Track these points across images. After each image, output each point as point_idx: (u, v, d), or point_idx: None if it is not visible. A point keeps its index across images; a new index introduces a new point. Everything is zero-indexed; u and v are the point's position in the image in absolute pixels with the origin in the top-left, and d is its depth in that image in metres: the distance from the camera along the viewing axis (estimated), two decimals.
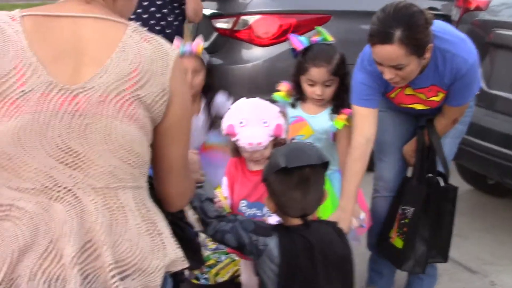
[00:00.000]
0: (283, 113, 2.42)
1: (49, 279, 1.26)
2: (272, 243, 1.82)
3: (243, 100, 2.40)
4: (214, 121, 3.29)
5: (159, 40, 1.42)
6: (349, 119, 2.57)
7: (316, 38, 2.61)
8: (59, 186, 1.29)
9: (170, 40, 3.17)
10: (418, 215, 2.71)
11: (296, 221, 1.85)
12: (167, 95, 1.37)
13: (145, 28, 1.45)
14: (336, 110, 2.61)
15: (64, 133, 1.28)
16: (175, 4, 3.97)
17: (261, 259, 1.84)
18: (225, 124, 2.31)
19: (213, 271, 2.82)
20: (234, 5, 4.41)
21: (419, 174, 2.75)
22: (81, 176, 1.30)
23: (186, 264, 1.44)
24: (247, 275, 2.54)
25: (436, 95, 2.56)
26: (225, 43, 4.43)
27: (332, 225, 1.96)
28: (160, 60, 1.37)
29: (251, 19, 4.25)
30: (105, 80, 1.30)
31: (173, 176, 1.50)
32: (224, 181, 2.43)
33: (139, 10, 3.88)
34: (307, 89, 2.59)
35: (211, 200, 2.01)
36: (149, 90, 1.34)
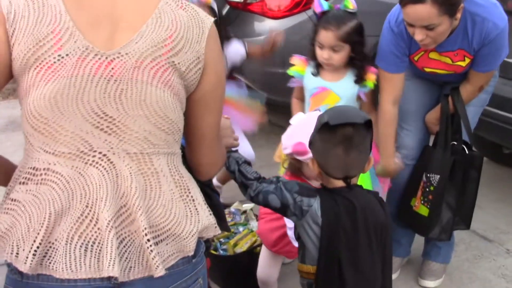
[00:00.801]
0: None
1: (86, 243, 1.27)
2: (315, 204, 1.80)
3: (305, 114, 2.31)
4: (229, 71, 3.23)
5: (195, 7, 1.42)
6: (377, 78, 2.59)
7: (338, 5, 2.61)
8: (95, 151, 1.30)
9: None
10: (444, 182, 2.71)
11: (339, 183, 1.83)
12: (202, 63, 1.38)
13: None
14: (359, 76, 2.63)
15: (99, 98, 1.29)
16: None
17: (304, 220, 1.82)
18: (290, 141, 2.17)
19: (232, 242, 2.83)
20: None
21: (444, 142, 2.75)
22: (116, 141, 1.31)
23: (218, 231, 1.45)
24: (265, 266, 2.57)
25: (463, 60, 2.55)
26: (237, 16, 4.40)
27: (374, 193, 1.94)
28: (196, 28, 1.37)
29: None
30: (140, 46, 1.31)
31: (206, 145, 1.51)
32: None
33: None
34: (317, 52, 2.61)
35: (248, 163, 1.98)
36: (184, 57, 1.35)
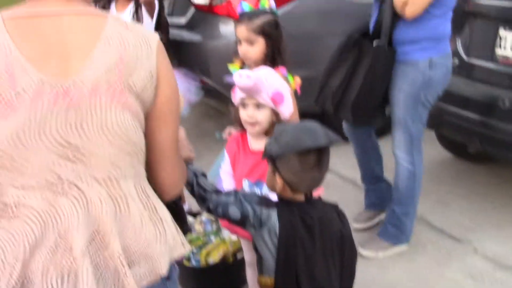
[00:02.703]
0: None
1: (61, 273, 1.28)
2: (274, 215, 1.86)
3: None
4: None
5: (139, 27, 1.46)
6: (285, 78, 2.61)
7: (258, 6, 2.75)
8: (63, 181, 1.31)
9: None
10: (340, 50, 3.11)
11: (300, 197, 1.89)
12: (155, 78, 1.40)
13: None
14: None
15: (61, 128, 1.29)
16: None
17: (262, 231, 1.86)
18: (266, 89, 2.27)
19: (204, 252, 2.83)
20: None
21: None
22: (83, 169, 1.32)
23: (188, 249, 1.48)
24: (250, 254, 2.58)
25: None
26: (203, 19, 4.39)
27: (333, 205, 2.01)
28: (143, 45, 1.39)
29: None
30: (94, 71, 1.32)
31: (166, 161, 1.51)
32: (226, 157, 2.44)
33: None
34: (238, 48, 2.71)
35: (205, 175, 2.00)
36: (137, 76, 1.36)
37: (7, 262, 1.27)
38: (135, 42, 1.38)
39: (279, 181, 1.87)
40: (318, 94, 3.21)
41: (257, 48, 2.67)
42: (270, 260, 1.87)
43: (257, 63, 2.70)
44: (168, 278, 1.44)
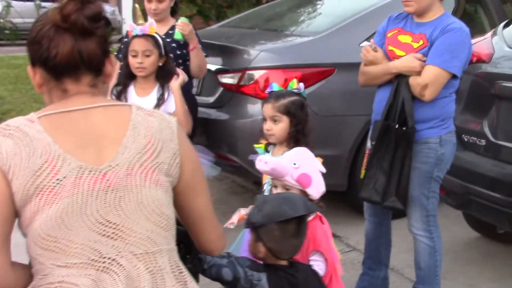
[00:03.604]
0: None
1: None
2: (264, 279, 1.98)
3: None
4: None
5: (159, 112, 1.63)
6: None
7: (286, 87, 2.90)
8: (104, 257, 1.43)
9: None
10: (377, 144, 3.07)
11: (283, 262, 2.07)
12: (179, 157, 1.57)
13: None
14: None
15: (101, 208, 1.43)
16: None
17: None
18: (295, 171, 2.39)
19: None
20: (239, 60, 4.49)
21: (386, 114, 3.06)
22: (123, 245, 1.45)
23: None
24: None
25: (418, 42, 2.99)
26: (231, 98, 4.49)
27: (311, 269, 2.19)
28: (166, 129, 1.57)
29: (256, 73, 4.33)
30: (127, 155, 1.48)
31: (207, 223, 1.68)
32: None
33: None
34: (263, 126, 2.82)
35: None
36: (164, 156, 1.53)
37: None
38: (159, 126, 1.56)
39: (262, 249, 2.02)
40: (361, 189, 3.20)
41: (280, 126, 2.76)
42: None
43: (280, 141, 2.78)
44: None
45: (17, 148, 1.42)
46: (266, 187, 2.77)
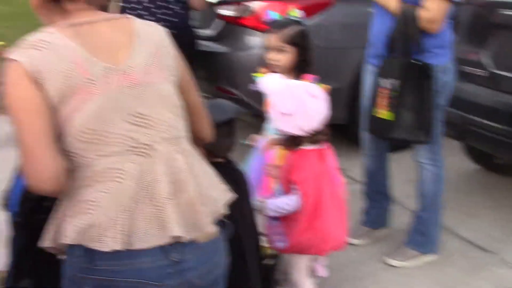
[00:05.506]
0: None
1: (155, 219, 1.55)
2: None
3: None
4: None
5: (152, 23, 1.79)
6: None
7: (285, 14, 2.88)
8: (141, 143, 1.59)
9: (176, 28, 3.26)
10: (403, 84, 2.95)
11: (220, 160, 2.28)
12: (176, 59, 1.76)
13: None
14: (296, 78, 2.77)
15: (130, 102, 1.60)
16: None
17: None
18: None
19: None
20: None
21: (403, 48, 2.96)
22: (154, 132, 1.62)
23: (231, 195, 1.79)
24: None
25: None
26: (230, 30, 4.45)
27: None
28: (164, 37, 1.76)
29: (256, 5, 4.27)
30: (140, 59, 1.65)
31: (201, 113, 1.88)
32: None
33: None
34: (267, 56, 2.82)
35: None
36: (169, 59, 1.73)
37: (110, 218, 1.51)
38: (157, 34, 1.75)
39: (202, 151, 2.13)
40: (369, 124, 3.17)
41: (286, 56, 2.76)
42: None
43: (285, 71, 2.76)
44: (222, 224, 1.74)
45: (45, 54, 1.53)
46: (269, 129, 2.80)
